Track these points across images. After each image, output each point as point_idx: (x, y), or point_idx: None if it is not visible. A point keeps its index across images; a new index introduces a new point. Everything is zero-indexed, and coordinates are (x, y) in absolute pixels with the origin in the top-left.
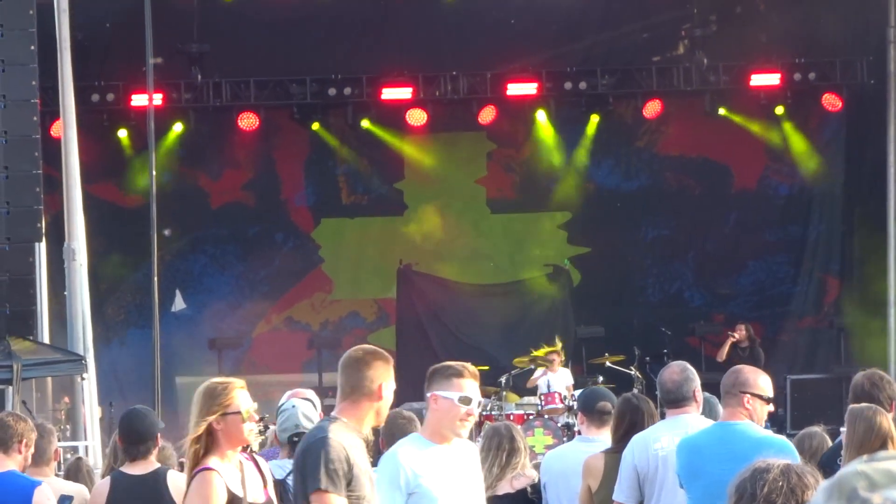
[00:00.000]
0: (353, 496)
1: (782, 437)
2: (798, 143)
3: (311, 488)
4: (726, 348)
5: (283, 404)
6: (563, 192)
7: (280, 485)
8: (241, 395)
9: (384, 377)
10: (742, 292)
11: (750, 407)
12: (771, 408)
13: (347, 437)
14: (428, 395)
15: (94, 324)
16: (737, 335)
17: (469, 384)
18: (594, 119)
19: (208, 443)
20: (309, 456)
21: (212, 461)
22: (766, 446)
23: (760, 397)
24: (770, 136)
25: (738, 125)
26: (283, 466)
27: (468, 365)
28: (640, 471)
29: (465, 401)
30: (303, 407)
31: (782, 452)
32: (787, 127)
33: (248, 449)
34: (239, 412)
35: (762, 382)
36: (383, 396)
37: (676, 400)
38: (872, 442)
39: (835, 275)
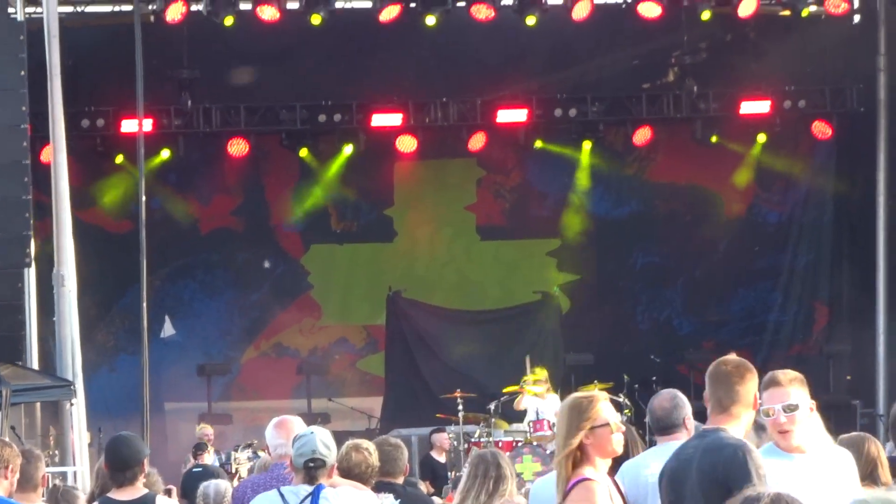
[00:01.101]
0: None
1: None
2: (787, 170)
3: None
4: None
5: (300, 432)
6: (553, 218)
7: None
8: (605, 408)
9: (756, 388)
10: (731, 319)
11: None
12: None
13: None
14: None
15: (84, 349)
16: None
17: (775, 393)
18: (586, 146)
19: (577, 456)
20: (738, 458)
21: (587, 471)
22: None
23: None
24: (760, 163)
25: (727, 152)
26: (296, 493)
27: (780, 372)
28: (630, 498)
29: (766, 413)
30: (321, 434)
31: None
32: (777, 154)
33: (237, 474)
34: (607, 424)
35: None
36: (757, 407)
37: (666, 427)
38: (861, 468)
39: (824, 302)
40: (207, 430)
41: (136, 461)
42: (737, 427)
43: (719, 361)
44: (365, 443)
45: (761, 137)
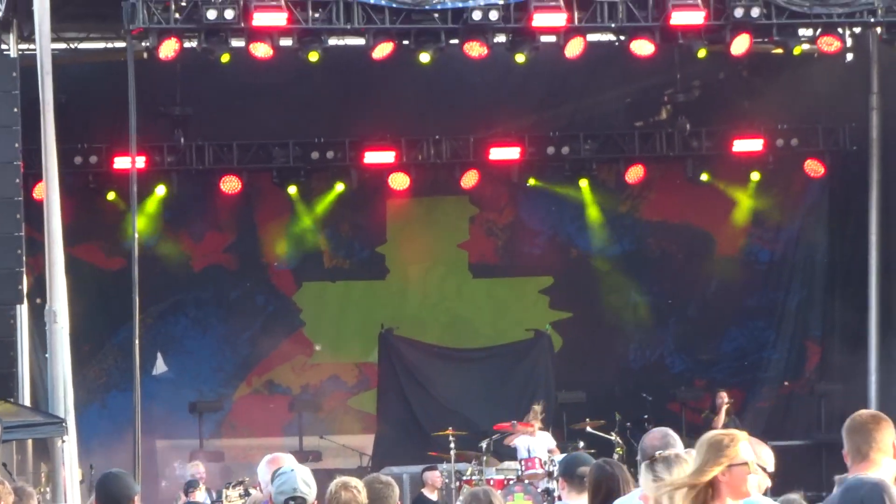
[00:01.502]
0: None
1: None
2: (780, 208)
3: None
4: (723, 415)
5: (280, 468)
6: (546, 256)
7: None
8: (745, 448)
9: (893, 437)
10: (723, 358)
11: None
12: (769, 482)
13: None
14: None
15: (76, 386)
16: (729, 401)
17: None
18: (582, 184)
19: (708, 494)
20: (876, 493)
21: None
22: None
23: (764, 470)
24: (752, 201)
25: (720, 191)
26: None
27: None
28: None
29: None
30: (301, 472)
31: None
32: (769, 192)
33: None
34: (745, 463)
35: (765, 455)
36: None
37: None
38: None
39: (816, 341)
40: (199, 467)
41: (126, 498)
42: (877, 472)
43: (854, 415)
44: (354, 481)
45: (755, 176)
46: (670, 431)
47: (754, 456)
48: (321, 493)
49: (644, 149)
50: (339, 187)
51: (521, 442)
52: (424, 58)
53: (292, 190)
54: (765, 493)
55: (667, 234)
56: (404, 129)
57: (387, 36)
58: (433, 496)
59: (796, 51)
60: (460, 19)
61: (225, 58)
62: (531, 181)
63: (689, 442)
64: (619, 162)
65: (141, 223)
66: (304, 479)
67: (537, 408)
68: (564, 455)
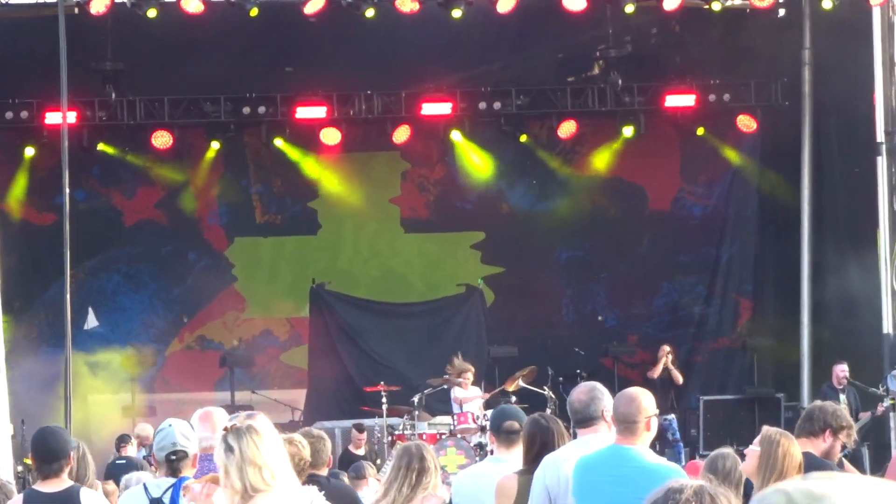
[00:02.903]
0: None
1: (675, 466)
2: (712, 163)
3: None
4: (660, 366)
5: (161, 424)
6: (477, 212)
7: (157, 503)
8: None
9: None
10: (656, 313)
11: (650, 429)
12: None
13: None
14: None
15: (7, 341)
16: (671, 355)
17: None
18: (522, 139)
19: None
20: None
21: None
22: (657, 474)
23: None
24: (685, 156)
25: (652, 146)
26: (159, 485)
27: None
28: (550, 491)
29: None
30: (179, 426)
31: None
32: (701, 147)
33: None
34: None
35: (648, 401)
36: None
37: (584, 420)
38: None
39: (748, 296)
40: (147, 431)
41: (63, 453)
42: None
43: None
44: (297, 436)
45: (700, 131)
46: (598, 386)
47: None
48: None
49: (576, 104)
50: (273, 142)
51: (455, 395)
52: (370, 13)
53: (227, 145)
54: (679, 443)
55: (599, 190)
56: (336, 84)
57: None
58: (360, 451)
59: (724, 6)
60: None
61: (152, 13)
62: (461, 136)
63: None
64: (551, 117)
65: (72, 177)
66: (183, 433)
67: (461, 363)
68: (493, 409)
